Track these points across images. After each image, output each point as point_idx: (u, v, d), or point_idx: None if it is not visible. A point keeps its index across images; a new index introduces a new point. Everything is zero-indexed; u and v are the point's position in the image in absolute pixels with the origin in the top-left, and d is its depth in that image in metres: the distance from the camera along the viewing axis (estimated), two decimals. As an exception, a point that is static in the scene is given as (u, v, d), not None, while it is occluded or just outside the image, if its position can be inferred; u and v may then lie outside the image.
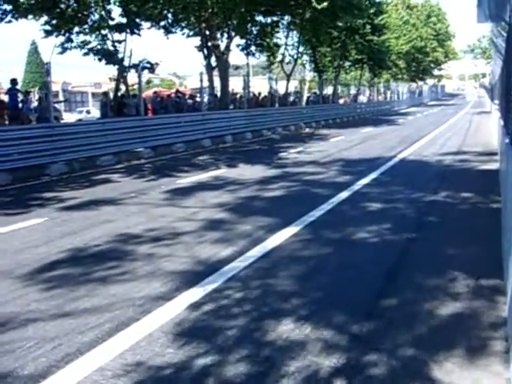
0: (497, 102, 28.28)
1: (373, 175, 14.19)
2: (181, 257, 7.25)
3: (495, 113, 27.64)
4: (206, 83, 30.34)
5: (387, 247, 7.64)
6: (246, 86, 32.27)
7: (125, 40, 28.09)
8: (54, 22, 26.49)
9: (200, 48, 33.14)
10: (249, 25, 36.59)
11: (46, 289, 6.11)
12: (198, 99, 29.83)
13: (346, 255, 7.28)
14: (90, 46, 28.05)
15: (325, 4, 33.30)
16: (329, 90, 53.87)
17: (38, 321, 5.22)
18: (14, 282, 6.38)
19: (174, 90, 35.40)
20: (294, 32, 44.13)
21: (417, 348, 4.53)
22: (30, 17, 25.40)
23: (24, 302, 5.72)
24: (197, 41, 33.80)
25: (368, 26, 47.72)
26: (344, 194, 11.55)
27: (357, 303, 5.55)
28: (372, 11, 46.45)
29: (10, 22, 23.50)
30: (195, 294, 5.81)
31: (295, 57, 44.38)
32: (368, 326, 4.99)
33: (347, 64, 55.13)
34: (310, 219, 9.26)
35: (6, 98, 20.80)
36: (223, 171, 15.95)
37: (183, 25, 33.94)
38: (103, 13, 27.75)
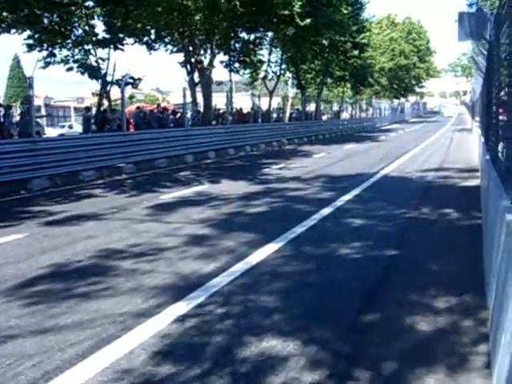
0: (478, 119, 28.55)
1: (355, 191, 14.23)
2: (163, 273, 7.21)
3: (476, 130, 27.88)
4: (188, 99, 30.36)
5: (369, 263, 7.65)
6: (229, 102, 32.33)
7: (108, 55, 28.16)
8: (36, 36, 26.47)
9: (183, 64, 33.23)
10: (232, 41, 36.76)
11: (26, 305, 6.03)
12: (178, 115, 29.82)
13: (328, 271, 7.28)
14: (72, 59, 28.11)
15: (308, 21, 33.49)
16: (312, 107, 54.10)
17: (18, 337, 5.16)
18: (-6, 298, 6.31)
19: (156, 105, 35.37)
20: (277, 49, 44.40)
21: (399, 364, 4.53)
22: (13, 31, 25.36)
23: (4, 318, 5.65)
24: (180, 57, 33.94)
25: (350, 44, 48.07)
26: (326, 210, 11.57)
27: (339, 319, 5.55)
28: (354, 29, 46.76)
29: (-8, 36, 23.50)
30: (177, 310, 5.78)
31: (278, 73, 44.58)
32: (350, 342, 4.99)
33: (330, 81, 55.45)
34: (293, 235, 9.26)
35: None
36: (206, 187, 15.93)
37: (167, 41, 34.06)
38: (87, 28, 27.78)
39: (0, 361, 4.67)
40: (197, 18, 29.65)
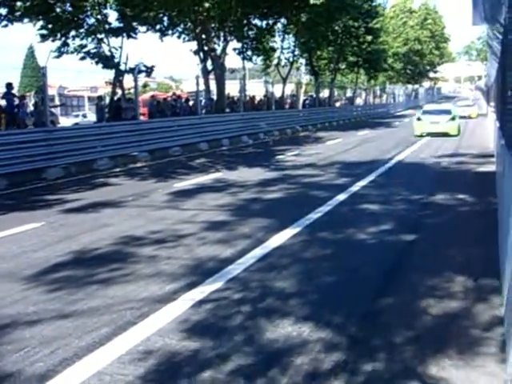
0: (493, 104, 28.30)
1: (370, 177, 14.20)
2: (181, 259, 7.25)
3: (491, 115, 27.64)
4: (202, 87, 30.32)
5: (385, 248, 7.65)
6: (243, 89, 32.25)
7: (121, 44, 28.16)
8: (49, 26, 26.48)
9: (196, 51, 33.14)
10: (245, 28, 36.60)
11: (44, 292, 6.08)
12: (191, 102, 29.78)
13: (344, 257, 7.28)
14: (86, 49, 28.13)
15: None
16: (325, 93, 53.87)
17: (36, 324, 5.20)
18: (14, 286, 6.35)
19: (170, 94, 35.35)
20: (290, 35, 44.19)
21: (414, 348, 4.53)
22: (26, 21, 25.38)
23: (22, 306, 5.69)
24: (193, 44, 33.84)
25: (363, 29, 47.75)
26: (342, 196, 11.56)
27: (355, 304, 5.55)
28: (366, 7, 46.25)
29: (6, 26, 23.47)
30: (195, 295, 5.80)
31: (291, 60, 44.42)
32: (366, 327, 5.00)
33: (343, 67, 55.13)
34: (309, 221, 9.28)
35: (2, 103, 20.75)
36: (222, 174, 15.94)
37: (180, 29, 33.95)
38: (99, 17, 27.76)
39: (18, 348, 4.72)
40: (207, 4, 29.50)
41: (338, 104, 56.00)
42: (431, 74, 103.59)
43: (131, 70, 27.82)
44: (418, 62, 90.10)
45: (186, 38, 34.71)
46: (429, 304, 5.47)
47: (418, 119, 28.78)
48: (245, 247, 7.73)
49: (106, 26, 28.16)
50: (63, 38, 27.70)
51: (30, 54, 77.14)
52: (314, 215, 9.73)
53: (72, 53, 28.33)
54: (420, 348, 4.54)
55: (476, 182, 13.52)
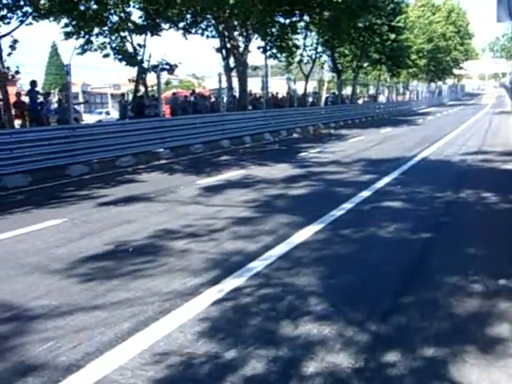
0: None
1: (394, 175, 14.09)
2: (207, 253, 7.27)
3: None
4: (224, 84, 30.33)
5: (408, 247, 7.57)
6: (265, 86, 32.22)
7: (144, 42, 28.33)
8: (73, 23, 26.69)
9: (219, 49, 33.17)
10: (268, 25, 36.55)
11: (69, 286, 6.12)
12: (212, 99, 29.81)
13: (366, 254, 7.22)
14: (110, 47, 28.39)
15: None
16: (347, 91, 53.68)
17: (59, 319, 5.22)
18: (38, 281, 6.39)
19: (190, 91, 35.46)
20: (313, 33, 44.08)
21: (435, 348, 4.46)
22: (51, 19, 25.55)
23: (46, 301, 5.71)
24: (216, 42, 33.87)
25: (386, 27, 47.43)
26: (365, 194, 11.49)
27: (376, 302, 5.49)
28: (390, 8, 45.96)
29: (30, 24, 23.59)
30: (219, 291, 5.80)
31: (313, 57, 44.30)
32: (387, 326, 4.95)
33: (366, 64, 54.84)
34: (332, 218, 9.24)
35: (27, 100, 20.95)
36: (245, 171, 15.90)
37: (203, 26, 33.97)
38: (122, 14, 27.92)
39: (42, 341, 4.74)
40: (231, 1, 29.47)
41: (360, 101, 55.77)
42: (455, 71, 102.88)
43: (154, 68, 27.99)
44: (442, 58, 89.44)
45: (210, 35, 34.73)
46: (450, 303, 5.41)
47: None
48: (270, 242, 7.73)
49: (130, 24, 28.32)
50: (87, 36, 27.93)
51: (54, 52, 77.81)
52: (338, 212, 9.68)
53: (95, 50, 28.56)
54: (441, 347, 4.48)
55: (500, 180, 13.36)
